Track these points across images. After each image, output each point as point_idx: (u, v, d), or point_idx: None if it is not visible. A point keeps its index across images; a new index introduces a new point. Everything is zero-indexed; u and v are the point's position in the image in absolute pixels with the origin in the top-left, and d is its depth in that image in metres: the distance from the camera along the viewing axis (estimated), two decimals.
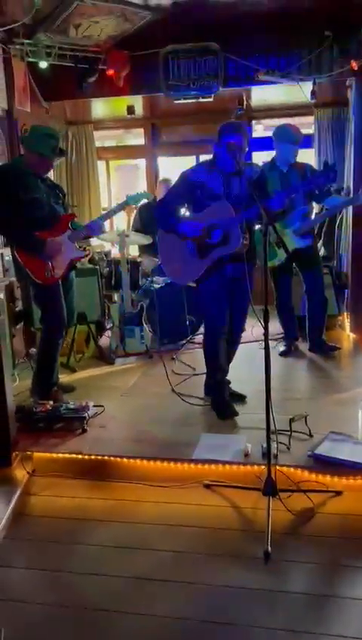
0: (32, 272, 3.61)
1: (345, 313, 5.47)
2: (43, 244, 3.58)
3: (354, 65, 4.70)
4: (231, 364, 3.69)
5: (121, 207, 4.29)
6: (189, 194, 3.39)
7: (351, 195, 4.84)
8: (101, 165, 7.06)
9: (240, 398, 3.65)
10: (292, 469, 2.78)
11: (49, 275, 3.62)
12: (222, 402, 3.53)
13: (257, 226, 3.46)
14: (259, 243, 4.56)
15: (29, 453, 3.12)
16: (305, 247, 4.37)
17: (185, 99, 5.32)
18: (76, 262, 3.87)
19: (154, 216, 3.65)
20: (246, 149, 3.34)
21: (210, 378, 3.64)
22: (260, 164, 4.06)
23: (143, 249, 5.69)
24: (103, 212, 4.26)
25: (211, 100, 5.29)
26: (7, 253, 4.29)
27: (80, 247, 3.88)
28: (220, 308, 3.43)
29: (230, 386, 3.66)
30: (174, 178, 3.64)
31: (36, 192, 3.60)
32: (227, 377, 3.65)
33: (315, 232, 4.70)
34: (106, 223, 6.99)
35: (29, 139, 3.66)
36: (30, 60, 4.85)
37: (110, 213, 4.33)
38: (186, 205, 3.49)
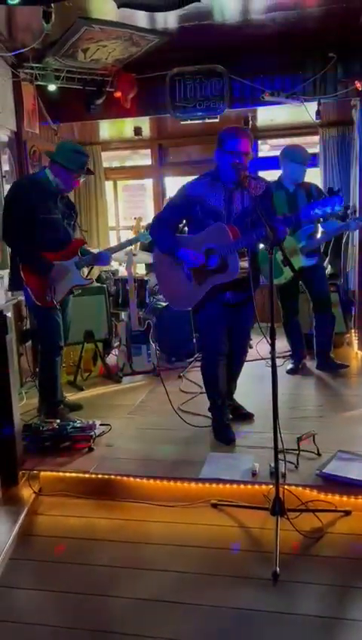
0: (32, 293, 3.60)
1: (353, 331, 5.46)
2: (50, 267, 3.58)
3: (359, 85, 4.75)
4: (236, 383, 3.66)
5: (131, 242, 4.35)
6: (188, 210, 3.21)
7: (351, 219, 4.84)
8: (108, 185, 7.14)
9: (247, 417, 3.60)
10: (300, 489, 2.76)
11: (49, 299, 3.62)
12: (219, 427, 3.46)
13: (262, 245, 3.27)
14: (265, 261, 4.56)
15: (35, 472, 3.11)
16: (311, 266, 4.38)
17: (191, 120, 5.39)
18: (76, 288, 3.86)
19: (151, 234, 3.51)
20: (252, 155, 3.14)
21: (209, 401, 3.57)
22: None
23: (150, 267, 5.72)
24: (113, 245, 4.27)
25: (217, 120, 5.36)
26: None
27: (86, 276, 3.88)
28: (218, 335, 3.32)
29: (238, 404, 3.61)
30: None
31: (54, 213, 3.60)
32: (234, 396, 3.62)
33: (321, 250, 4.71)
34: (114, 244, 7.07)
35: (58, 154, 3.63)
36: (39, 83, 4.95)
37: (120, 247, 4.35)
38: (185, 221, 3.37)
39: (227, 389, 3.56)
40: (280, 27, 4.47)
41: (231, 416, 3.59)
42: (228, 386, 3.56)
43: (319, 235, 4.56)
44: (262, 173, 6.28)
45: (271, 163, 6.75)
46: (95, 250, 4.11)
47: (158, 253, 3.41)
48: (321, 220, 4.27)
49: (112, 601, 2.21)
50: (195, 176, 3.31)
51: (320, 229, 4.54)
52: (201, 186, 3.19)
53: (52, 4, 3.49)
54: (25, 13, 3.92)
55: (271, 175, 3.90)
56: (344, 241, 5.65)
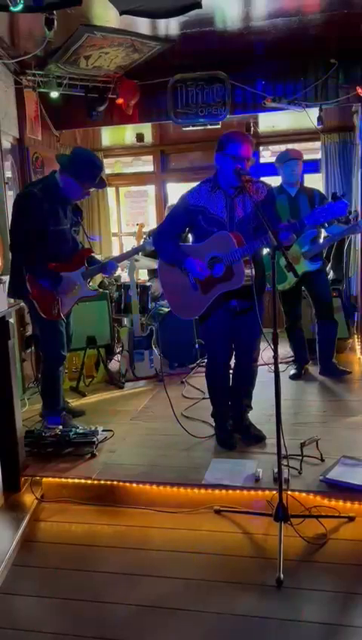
0: (39, 305, 3.52)
1: (356, 336, 5.44)
2: (59, 280, 3.49)
3: (360, 91, 4.76)
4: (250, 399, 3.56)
5: (137, 250, 4.35)
6: (190, 220, 3.17)
7: (359, 220, 4.86)
8: (111, 192, 7.16)
9: (259, 440, 3.39)
10: (303, 494, 2.74)
11: (55, 313, 3.55)
12: (221, 433, 3.45)
13: (266, 250, 3.23)
14: (270, 267, 4.57)
15: (38, 478, 3.10)
16: (314, 271, 4.38)
17: (193, 126, 5.40)
18: (82, 300, 3.79)
19: (154, 247, 3.43)
20: (253, 160, 3.20)
21: (213, 407, 3.53)
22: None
23: (153, 273, 5.73)
24: (119, 255, 4.24)
25: (219, 126, 5.37)
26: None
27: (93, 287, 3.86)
28: (223, 343, 3.31)
29: (251, 425, 3.49)
30: None
31: (63, 224, 3.52)
32: (248, 415, 3.53)
33: (324, 255, 4.71)
34: (116, 252, 7.09)
35: (70, 162, 3.46)
36: (41, 90, 4.97)
37: (126, 255, 4.33)
38: (188, 229, 3.32)
39: (238, 403, 3.48)
40: (282, 34, 4.48)
41: (237, 435, 3.47)
42: (240, 399, 3.49)
43: (322, 240, 4.57)
44: (263, 180, 6.32)
45: (272, 169, 6.77)
46: (99, 256, 4.08)
47: (163, 263, 3.37)
48: (326, 224, 4.28)
49: (114, 608, 2.20)
50: (195, 184, 3.26)
51: (324, 233, 4.54)
52: (202, 194, 3.15)
53: (54, 12, 3.50)
54: (27, 20, 3.94)
55: (272, 181, 3.91)
56: (346, 246, 5.65)
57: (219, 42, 4.64)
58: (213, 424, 3.56)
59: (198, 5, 3.46)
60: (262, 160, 6.82)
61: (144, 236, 5.76)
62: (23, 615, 2.22)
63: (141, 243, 4.72)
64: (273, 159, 6.95)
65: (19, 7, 2.82)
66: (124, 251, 5.27)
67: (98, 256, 4.18)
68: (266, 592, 2.24)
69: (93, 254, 3.90)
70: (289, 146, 6.37)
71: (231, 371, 3.49)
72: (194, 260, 3.13)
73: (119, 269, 5.78)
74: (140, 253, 5.28)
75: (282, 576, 2.26)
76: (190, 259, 3.13)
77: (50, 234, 3.45)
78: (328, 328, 4.56)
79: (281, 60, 4.96)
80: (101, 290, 5.31)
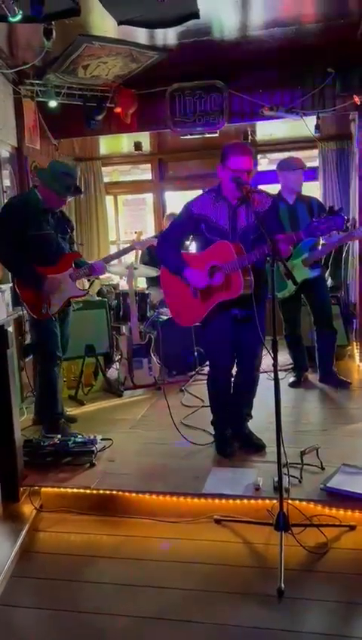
0: (28, 306, 3.67)
1: (355, 343, 5.44)
2: (43, 281, 3.62)
3: (357, 100, 4.79)
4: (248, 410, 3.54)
5: (126, 251, 4.37)
6: (193, 228, 3.23)
7: (357, 227, 4.87)
8: (109, 200, 7.18)
9: (259, 448, 3.37)
10: (304, 503, 2.73)
11: (45, 312, 3.67)
12: (221, 440, 3.45)
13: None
14: (269, 275, 4.55)
15: (36, 488, 3.08)
16: (313, 278, 4.38)
17: (191, 135, 5.43)
18: (73, 299, 3.90)
19: (157, 255, 3.51)
20: (254, 171, 3.21)
21: (213, 414, 3.53)
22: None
23: (151, 281, 5.72)
24: (107, 255, 4.28)
25: (217, 135, 5.40)
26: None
27: (87, 288, 3.93)
28: (225, 350, 3.32)
29: (251, 433, 3.48)
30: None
31: (45, 229, 3.66)
32: (248, 424, 3.52)
33: (322, 262, 4.71)
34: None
35: (46, 174, 3.71)
36: (40, 99, 5.00)
37: (115, 256, 4.36)
38: (190, 238, 3.37)
39: (239, 412, 3.48)
40: (279, 43, 4.52)
41: (237, 444, 3.46)
42: (240, 408, 3.48)
43: (320, 247, 4.57)
44: (261, 188, 6.34)
45: (270, 177, 6.79)
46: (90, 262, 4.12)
47: (165, 271, 3.40)
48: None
49: (114, 620, 2.18)
50: (195, 191, 3.30)
51: (322, 241, 4.55)
52: (205, 203, 3.18)
53: (53, 22, 3.52)
54: (26, 30, 3.97)
55: (270, 189, 3.92)
56: (344, 253, 5.66)
57: (216, 51, 4.68)
58: (213, 432, 3.54)
59: (196, 15, 3.48)
60: (259, 168, 6.85)
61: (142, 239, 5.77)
62: (21, 627, 2.20)
63: (140, 252, 4.75)
64: (271, 167, 7.02)
65: (18, 17, 2.83)
66: (123, 261, 5.27)
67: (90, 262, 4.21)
68: (267, 603, 2.21)
69: (80, 258, 3.97)
70: (287, 154, 6.40)
71: (232, 379, 3.48)
72: (194, 270, 3.17)
73: (117, 276, 5.80)
74: (138, 261, 5.30)
75: (283, 586, 2.24)
76: (189, 269, 3.17)
77: (30, 238, 3.59)
78: (327, 336, 4.56)
79: (279, 68, 5.00)
80: (99, 298, 5.31)
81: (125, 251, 4.36)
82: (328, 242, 4.51)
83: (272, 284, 2.55)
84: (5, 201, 4.52)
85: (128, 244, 4.59)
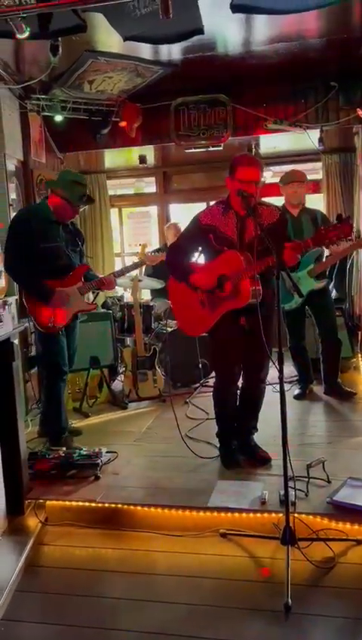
0: (35, 319, 3.65)
1: (359, 355, 5.43)
2: (51, 294, 3.59)
3: (360, 113, 4.82)
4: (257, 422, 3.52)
5: (136, 266, 4.38)
6: (201, 239, 3.24)
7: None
8: (114, 212, 7.22)
9: (265, 462, 3.35)
10: (311, 517, 2.71)
11: (51, 325, 3.64)
12: (226, 453, 3.42)
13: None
14: (281, 286, 4.56)
15: (41, 501, 3.06)
16: (319, 290, 4.38)
17: (195, 148, 5.47)
18: (81, 313, 3.88)
19: (166, 264, 3.53)
20: (263, 183, 3.16)
21: (218, 426, 3.52)
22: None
23: (155, 293, 5.74)
24: (118, 269, 4.28)
25: (221, 148, 5.44)
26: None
27: (92, 301, 3.92)
28: (231, 359, 3.30)
29: (257, 446, 3.46)
30: (184, 224, 3.56)
31: (55, 241, 3.64)
32: (254, 437, 3.51)
33: (327, 274, 4.71)
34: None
35: (57, 183, 3.69)
36: (46, 114, 5.05)
37: (124, 271, 4.37)
38: (200, 249, 3.35)
39: (244, 425, 3.47)
40: (283, 57, 4.56)
41: (243, 457, 3.44)
42: (246, 421, 3.47)
43: (325, 258, 4.57)
44: (265, 200, 6.37)
45: (274, 190, 6.82)
46: (100, 275, 4.13)
47: (173, 281, 3.41)
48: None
49: (120, 635, 2.16)
50: (200, 204, 3.34)
51: (326, 252, 4.55)
52: (214, 214, 3.21)
53: (59, 38, 3.57)
54: (32, 46, 4.01)
55: (275, 202, 3.95)
56: (348, 264, 5.66)
57: (220, 66, 4.72)
58: (218, 444, 3.53)
59: (200, 31, 3.51)
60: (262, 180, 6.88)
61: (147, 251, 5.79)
62: None
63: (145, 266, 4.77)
64: (275, 180, 7.03)
65: (26, 34, 2.87)
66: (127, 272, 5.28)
67: (100, 276, 4.20)
68: (274, 618, 2.19)
69: (90, 271, 3.96)
70: (291, 167, 6.43)
71: (238, 391, 3.47)
72: (200, 274, 3.21)
73: (121, 288, 5.82)
74: (142, 273, 5.32)
75: (290, 601, 2.22)
76: (195, 274, 3.21)
77: (40, 250, 3.57)
78: (332, 347, 4.56)
79: (282, 82, 5.05)
80: (104, 310, 5.32)
81: (135, 266, 4.38)
82: (334, 253, 4.52)
83: (278, 295, 2.55)
84: (12, 213, 4.56)
85: (138, 260, 4.58)
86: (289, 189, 4.41)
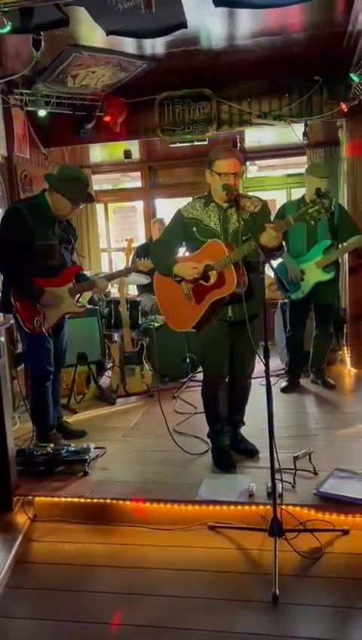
0: (21, 318, 3.53)
1: (345, 348, 5.47)
2: (41, 294, 3.50)
3: (344, 107, 4.84)
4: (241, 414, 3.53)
5: (129, 271, 4.35)
6: (185, 233, 3.22)
7: None
8: (99, 208, 7.19)
9: (252, 454, 3.39)
10: (298, 508, 2.74)
11: (38, 326, 3.53)
12: (219, 453, 3.38)
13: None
14: (283, 273, 4.53)
15: (30, 497, 3.06)
16: (326, 281, 4.41)
17: (180, 143, 5.47)
18: (69, 315, 3.78)
19: (150, 259, 3.51)
20: (243, 172, 3.19)
21: (208, 426, 3.48)
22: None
23: (142, 288, 5.74)
24: (110, 272, 4.22)
25: (206, 142, 5.44)
26: None
27: (77, 299, 3.81)
28: (219, 355, 3.25)
29: (244, 439, 3.49)
30: (169, 219, 3.53)
31: (51, 239, 3.54)
32: (241, 430, 3.52)
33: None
34: (106, 268, 7.09)
35: (57, 180, 3.54)
36: (29, 108, 5.00)
37: (116, 275, 4.34)
38: (184, 244, 3.33)
39: (231, 418, 3.45)
40: (266, 52, 4.56)
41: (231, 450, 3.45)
42: (232, 415, 3.45)
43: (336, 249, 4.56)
44: (251, 194, 6.38)
45: (260, 184, 6.85)
46: (88, 272, 4.08)
47: (158, 276, 3.37)
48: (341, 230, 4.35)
49: (110, 629, 2.17)
50: (185, 199, 3.32)
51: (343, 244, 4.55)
52: (196, 208, 3.20)
53: (42, 32, 3.54)
54: (15, 41, 3.98)
55: (263, 196, 3.93)
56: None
57: (204, 60, 4.71)
58: (206, 438, 3.54)
59: (184, 25, 3.51)
60: (249, 175, 6.90)
61: (133, 252, 5.79)
62: (17, 638, 2.19)
63: (131, 260, 4.76)
64: (260, 174, 7.07)
65: (7, 29, 2.84)
66: (115, 269, 5.28)
67: (87, 273, 4.17)
68: (263, 609, 2.22)
69: (82, 271, 3.90)
70: (276, 161, 6.47)
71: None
72: (183, 264, 3.16)
73: (108, 284, 5.80)
74: None
75: (278, 591, 2.25)
76: (178, 265, 3.16)
77: (35, 248, 3.48)
78: (325, 335, 4.65)
79: (266, 76, 5.05)
80: (91, 306, 5.31)
81: (127, 271, 4.35)
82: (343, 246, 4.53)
83: (263, 287, 2.56)
84: None
85: (132, 265, 4.49)
86: (318, 182, 4.28)
